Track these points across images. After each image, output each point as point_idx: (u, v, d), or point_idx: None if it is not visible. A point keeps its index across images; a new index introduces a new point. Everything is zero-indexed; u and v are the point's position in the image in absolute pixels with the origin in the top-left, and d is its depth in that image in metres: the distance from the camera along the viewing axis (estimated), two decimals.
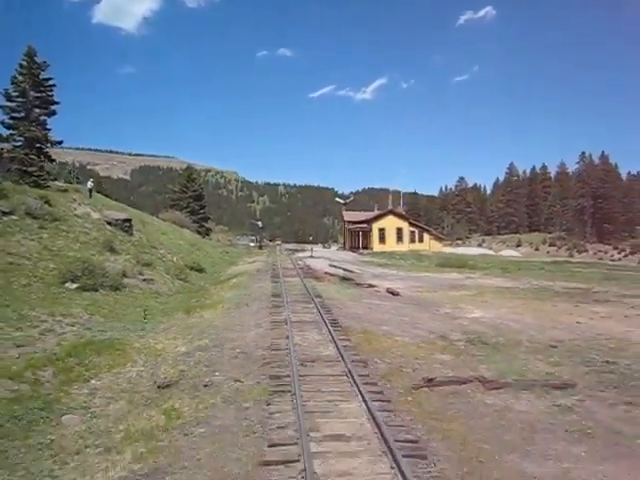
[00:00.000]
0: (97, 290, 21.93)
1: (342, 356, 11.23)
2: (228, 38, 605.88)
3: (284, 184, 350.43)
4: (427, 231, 68.87)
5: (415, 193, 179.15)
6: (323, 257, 49.71)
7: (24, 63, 38.63)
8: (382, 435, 7.18)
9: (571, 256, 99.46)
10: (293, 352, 11.42)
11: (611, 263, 64.85)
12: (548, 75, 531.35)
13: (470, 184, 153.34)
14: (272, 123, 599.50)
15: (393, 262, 48.18)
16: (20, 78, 38.58)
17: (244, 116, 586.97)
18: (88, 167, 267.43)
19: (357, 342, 13.08)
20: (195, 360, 11.61)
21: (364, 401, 8.52)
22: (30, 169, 36.84)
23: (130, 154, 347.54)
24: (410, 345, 13.53)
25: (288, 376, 9.87)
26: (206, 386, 9.84)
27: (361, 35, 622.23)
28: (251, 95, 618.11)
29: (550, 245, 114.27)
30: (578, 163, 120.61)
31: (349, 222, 68.83)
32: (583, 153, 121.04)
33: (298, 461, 6.50)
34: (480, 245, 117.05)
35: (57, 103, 40.09)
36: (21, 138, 38.54)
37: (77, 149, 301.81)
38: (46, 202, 30.72)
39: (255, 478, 6.28)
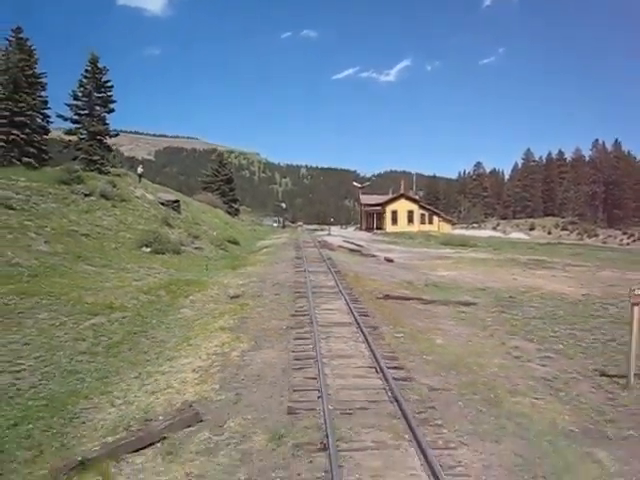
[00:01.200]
0: (164, 253, 29.99)
1: (338, 285, 19.02)
2: (252, 19, 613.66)
3: (306, 166, 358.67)
4: (436, 214, 76.07)
5: (434, 176, 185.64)
6: (339, 235, 57.62)
7: (88, 68, 46.66)
8: (350, 309, 14.95)
9: (581, 240, 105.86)
10: (309, 284, 19.23)
11: (600, 245, 71.39)
12: (574, 56, 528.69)
13: (490, 168, 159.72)
14: (295, 105, 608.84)
15: (401, 240, 55.68)
16: (85, 81, 46.66)
17: (267, 97, 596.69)
18: (114, 147, 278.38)
19: (350, 281, 20.81)
20: (249, 287, 19.53)
21: (345, 300, 16.30)
22: (94, 158, 45.02)
23: (154, 135, 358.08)
24: (384, 284, 21.28)
25: (305, 292, 17.65)
26: (259, 296, 17.72)
27: (386, 16, 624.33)
28: (275, 77, 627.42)
29: (562, 229, 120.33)
30: (591, 150, 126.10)
31: (365, 205, 76.46)
32: (596, 140, 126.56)
33: (308, 315, 14.29)
34: (495, 228, 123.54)
35: (114, 102, 48.21)
36: (85, 131, 46.69)
37: None
38: (113, 186, 38.90)
39: (289, 319, 14.15)
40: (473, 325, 15.31)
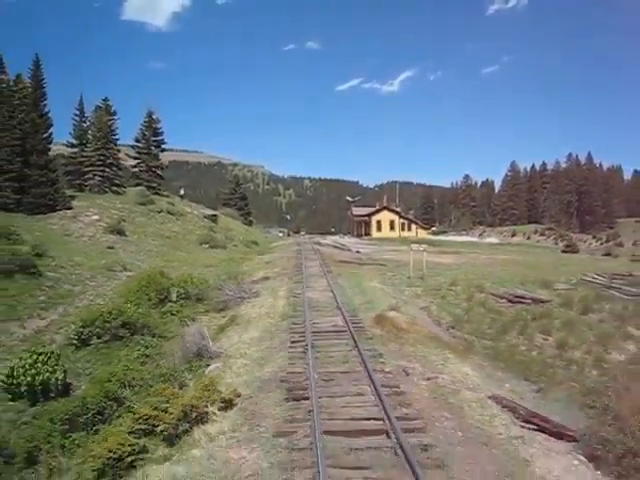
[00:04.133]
0: (217, 248, 51.19)
1: (319, 257, 40.31)
2: (256, 32, 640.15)
3: (310, 178, 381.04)
4: (414, 222, 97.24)
5: (432, 187, 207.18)
6: (332, 240, 78.87)
7: (146, 119, 68.45)
8: (321, 263, 36.22)
9: (556, 244, 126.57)
10: (303, 257, 40.44)
11: (539, 245, 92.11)
12: (579, 65, 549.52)
13: (484, 178, 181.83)
14: (299, 117, 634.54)
15: (380, 243, 76.71)
16: (144, 128, 68.39)
17: (271, 110, 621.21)
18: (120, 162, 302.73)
19: (325, 257, 41.91)
20: (274, 259, 40.89)
21: (320, 261, 37.57)
22: (152, 184, 66.53)
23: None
24: (344, 259, 42.46)
25: (301, 260, 38.85)
26: (279, 260, 39.01)
27: (389, 27, 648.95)
28: (278, 89, 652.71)
29: (540, 235, 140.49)
30: (566, 162, 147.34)
31: (355, 215, 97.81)
32: (570, 154, 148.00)
33: (302, 264, 35.48)
34: (481, 235, 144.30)
35: (165, 143, 69.97)
36: (143, 165, 68.31)
37: None
38: (172, 205, 60.30)
39: (294, 265, 35.40)
40: (375, 270, 36.37)
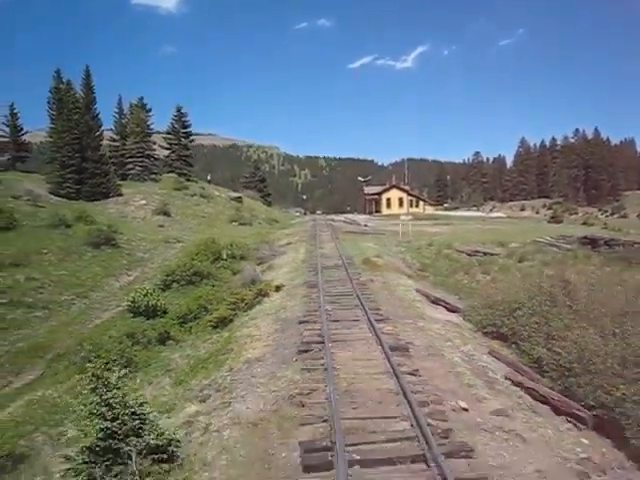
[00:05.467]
0: (245, 225, 62.32)
1: (330, 229, 51.23)
2: (267, 11, 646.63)
3: (325, 157, 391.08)
4: (422, 199, 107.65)
5: (447, 163, 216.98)
6: (344, 217, 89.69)
7: (175, 114, 79.48)
8: (331, 234, 47.17)
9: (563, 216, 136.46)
10: (318, 229, 51.37)
11: (536, 217, 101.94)
12: (594, 37, 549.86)
13: (493, 155, 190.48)
14: (312, 96, 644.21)
15: (386, 218, 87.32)
16: (174, 122, 79.42)
17: (284, 90, 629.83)
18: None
19: (335, 229, 52.81)
20: (293, 231, 51.98)
21: (330, 232, 48.52)
22: (183, 171, 77.72)
23: None
24: (351, 230, 53.37)
25: (316, 231, 49.77)
26: (298, 232, 50.00)
27: (401, 2, 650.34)
28: (291, 68, 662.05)
29: (549, 209, 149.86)
30: (573, 138, 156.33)
31: (367, 194, 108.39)
32: (577, 129, 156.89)
33: (316, 234, 46.43)
34: (491, 210, 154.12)
35: (192, 134, 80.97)
36: (174, 154, 79.48)
37: None
38: (203, 189, 71.49)
39: (310, 235, 46.41)
40: (374, 238, 47.11)
